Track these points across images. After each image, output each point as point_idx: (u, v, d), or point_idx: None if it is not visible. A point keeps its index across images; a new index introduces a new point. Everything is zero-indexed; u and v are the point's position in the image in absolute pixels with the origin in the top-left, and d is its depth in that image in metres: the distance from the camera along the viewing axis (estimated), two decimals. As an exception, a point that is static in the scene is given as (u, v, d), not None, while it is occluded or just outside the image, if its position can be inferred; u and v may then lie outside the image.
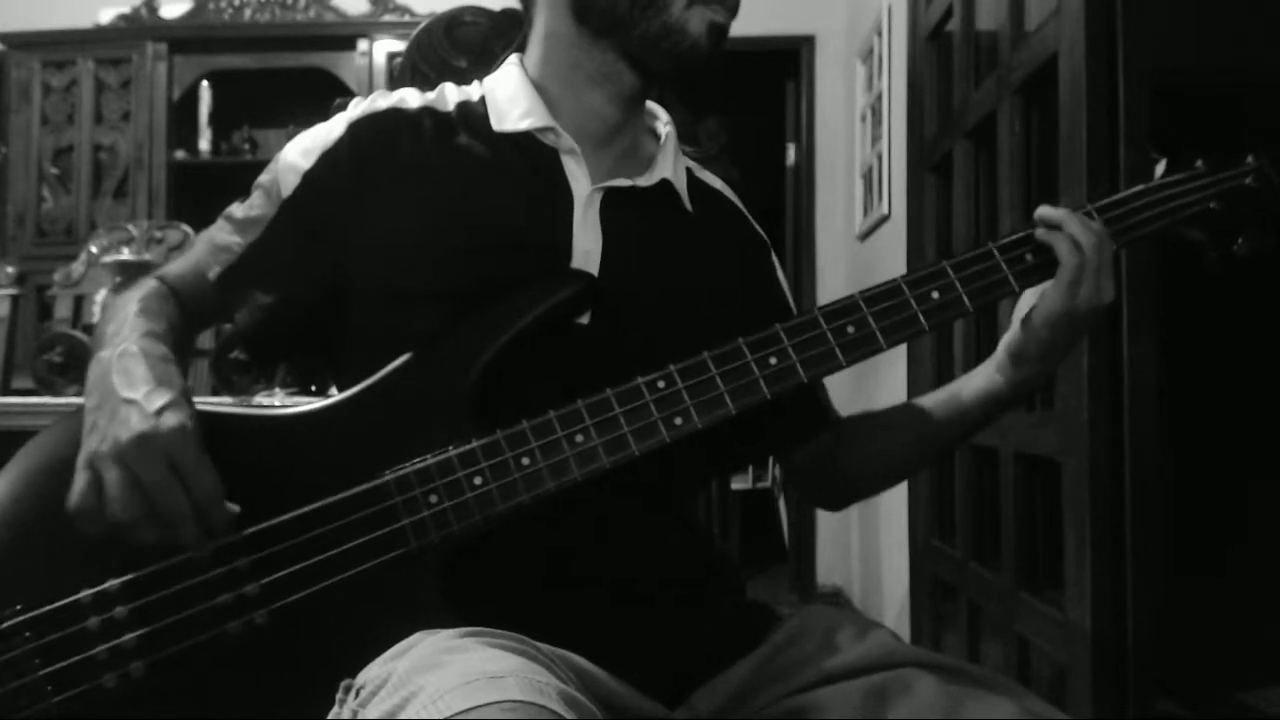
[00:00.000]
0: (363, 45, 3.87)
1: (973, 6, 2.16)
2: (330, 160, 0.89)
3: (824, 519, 3.90)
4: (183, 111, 3.95)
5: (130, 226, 2.84)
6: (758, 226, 1.05)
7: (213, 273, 0.92)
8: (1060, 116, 1.60)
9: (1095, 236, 0.84)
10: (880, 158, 3.20)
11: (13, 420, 2.03)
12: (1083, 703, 1.51)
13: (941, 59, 2.44)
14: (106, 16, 4.02)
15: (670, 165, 0.95)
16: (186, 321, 0.91)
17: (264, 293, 0.91)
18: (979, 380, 0.93)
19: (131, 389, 0.74)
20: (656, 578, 0.84)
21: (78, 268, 2.74)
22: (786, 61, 4.07)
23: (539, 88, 0.93)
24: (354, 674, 0.68)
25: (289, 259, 0.90)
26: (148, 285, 0.91)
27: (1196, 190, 0.91)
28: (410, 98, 0.94)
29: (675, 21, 0.87)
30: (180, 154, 3.94)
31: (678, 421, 0.78)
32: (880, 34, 3.20)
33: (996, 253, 0.85)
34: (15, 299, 2.65)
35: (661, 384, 0.79)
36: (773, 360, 0.81)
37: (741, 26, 0.94)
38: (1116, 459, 1.48)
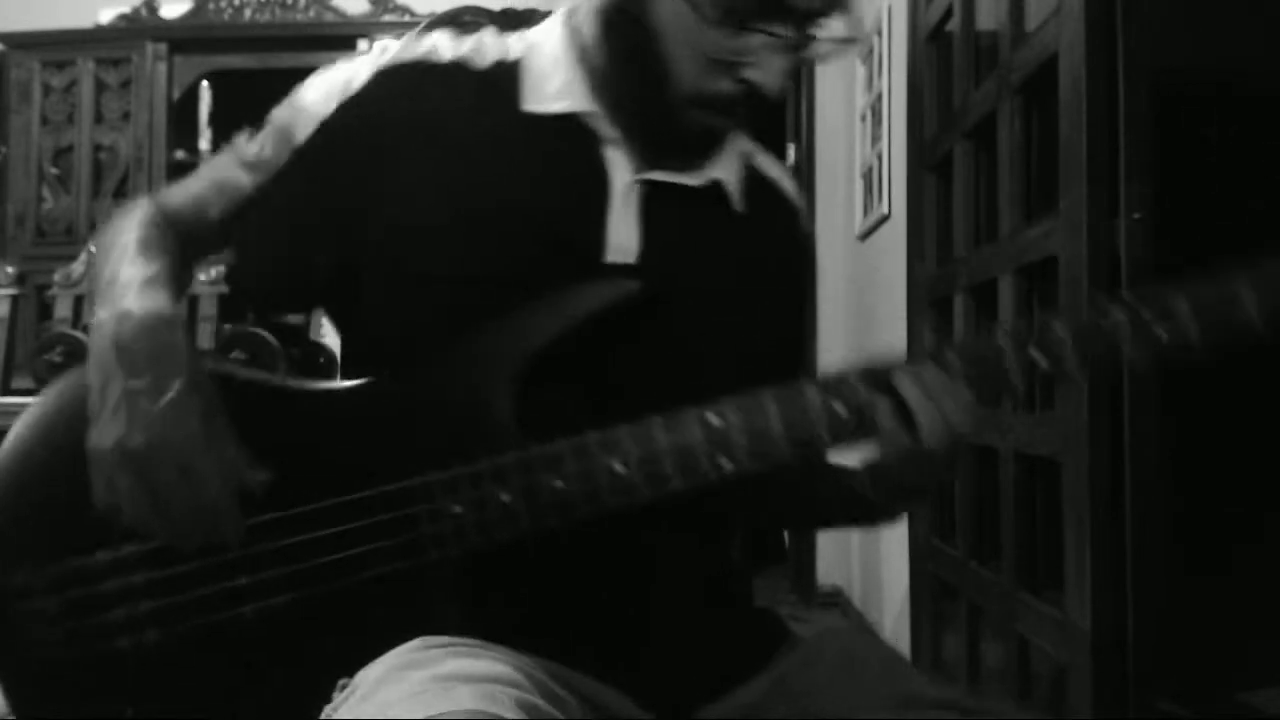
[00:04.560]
0: (363, 45, 3.86)
1: (973, 6, 2.16)
2: (350, 110, 0.82)
3: (824, 519, 3.89)
4: (183, 111, 3.95)
5: (130, 226, 2.84)
6: (809, 231, 0.98)
7: (215, 211, 0.86)
8: (1060, 116, 1.60)
9: (944, 429, 0.72)
10: (880, 158, 3.20)
11: (13, 420, 2.03)
12: (1083, 703, 1.50)
13: (941, 59, 2.43)
14: (106, 16, 4.02)
15: (725, 162, 0.86)
16: (185, 252, 0.86)
17: (266, 243, 0.86)
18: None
19: (135, 375, 0.71)
20: (666, 589, 0.82)
21: (78, 268, 2.74)
22: (786, 61, 4.06)
23: (584, 55, 0.82)
24: (353, 673, 0.68)
25: (296, 213, 0.84)
26: (145, 212, 0.85)
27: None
28: (443, 47, 0.85)
29: (666, 108, 0.79)
30: (180, 154, 3.93)
31: (724, 462, 0.73)
32: (880, 34, 3.20)
33: (1123, 309, 0.74)
34: (15, 299, 2.65)
35: (714, 419, 0.73)
36: (838, 408, 0.74)
37: (742, 26, 0.92)
38: (1116, 459, 1.48)
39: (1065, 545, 1.57)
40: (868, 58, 3.43)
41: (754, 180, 0.91)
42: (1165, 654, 1.47)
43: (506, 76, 0.83)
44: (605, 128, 0.82)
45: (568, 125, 0.82)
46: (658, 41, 0.77)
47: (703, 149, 0.84)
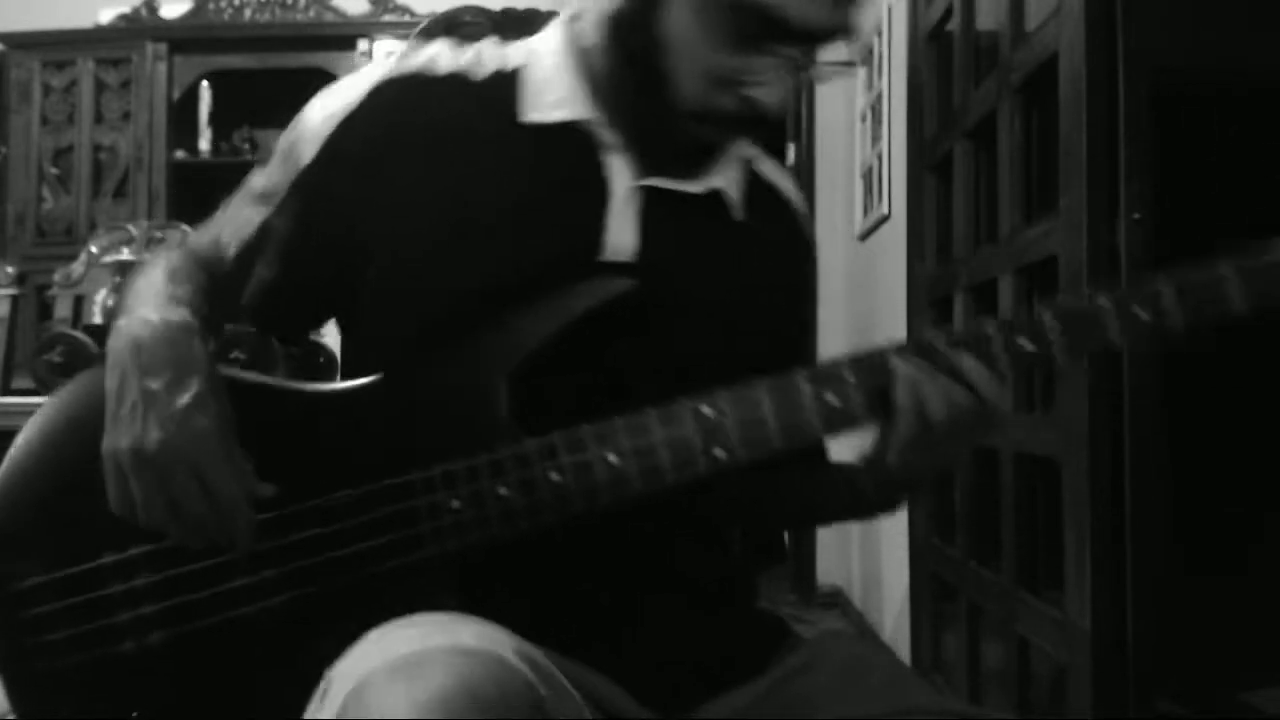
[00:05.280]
0: (363, 45, 3.87)
1: (973, 6, 2.16)
2: (351, 125, 0.82)
3: (824, 519, 3.89)
4: (183, 111, 3.95)
5: (130, 226, 2.84)
6: (809, 230, 0.98)
7: (231, 251, 0.87)
8: (1060, 116, 1.60)
9: (949, 408, 0.73)
10: (880, 158, 3.20)
11: (13, 420, 2.02)
12: (1083, 703, 1.51)
13: (941, 59, 2.44)
14: (106, 16, 4.02)
15: (726, 172, 0.87)
16: (218, 292, 0.86)
17: (270, 268, 0.85)
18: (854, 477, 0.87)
19: (152, 377, 0.72)
20: (667, 587, 0.82)
21: (78, 268, 2.74)
22: (786, 61, 4.06)
23: (585, 62, 0.83)
24: None
25: (301, 234, 0.84)
26: (176, 253, 0.86)
27: None
28: (442, 59, 0.85)
29: (667, 119, 0.79)
30: (180, 154, 3.93)
31: (719, 454, 0.73)
32: (880, 34, 3.20)
33: (1107, 300, 0.74)
34: (15, 299, 2.65)
35: (708, 410, 0.73)
36: (831, 398, 0.74)
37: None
38: (1116, 459, 1.48)
39: (1065, 545, 1.57)
40: (868, 58, 3.43)
41: (756, 186, 0.91)
42: (1165, 654, 1.48)
43: (505, 86, 0.83)
44: (606, 135, 0.82)
45: (567, 133, 0.82)
46: (663, 54, 0.77)
47: (702, 158, 0.85)
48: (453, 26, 1.29)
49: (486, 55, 0.86)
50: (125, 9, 4.02)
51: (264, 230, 0.85)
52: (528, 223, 0.80)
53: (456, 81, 0.84)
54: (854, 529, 3.67)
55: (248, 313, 0.89)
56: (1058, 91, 1.60)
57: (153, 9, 4.03)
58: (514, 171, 0.82)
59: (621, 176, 0.82)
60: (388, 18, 3.97)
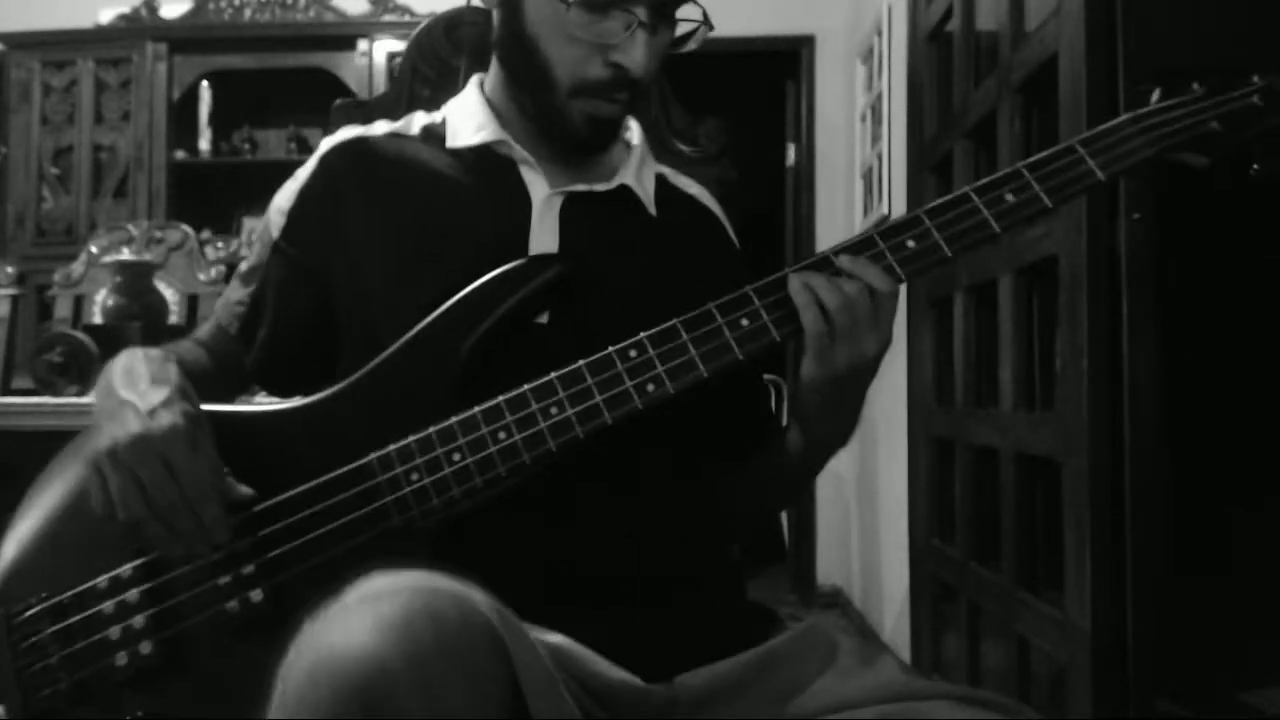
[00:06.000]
0: (363, 45, 3.87)
1: (973, 6, 2.16)
2: (307, 194, 0.96)
3: (824, 519, 3.90)
4: (183, 111, 3.95)
5: (130, 226, 2.84)
6: (730, 233, 1.06)
7: (233, 328, 1.00)
8: (1060, 116, 1.60)
9: (842, 298, 0.80)
10: (880, 158, 3.20)
11: (13, 420, 2.03)
12: (1083, 703, 1.51)
13: (941, 59, 2.44)
14: (106, 16, 4.02)
15: (633, 172, 0.97)
16: (220, 374, 0.98)
17: (266, 328, 0.97)
18: (791, 437, 0.94)
19: (129, 389, 0.79)
20: (649, 575, 0.84)
21: (78, 268, 2.74)
22: (786, 61, 4.07)
23: (494, 104, 0.97)
24: None
25: (283, 293, 0.96)
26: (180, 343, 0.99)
27: (1194, 113, 0.86)
28: (378, 127, 1.00)
29: (556, 106, 0.90)
30: (180, 154, 3.93)
31: (650, 388, 0.79)
32: (880, 34, 3.20)
33: (974, 195, 0.84)
34: (15, 299, 2.64)
35: (633, 352, 0.80)
36: (744, 321, 0.81)
37: (741, 26, 0.94)
38: (1116, 459, 1.48)
39: (1065, 545, 1.58)
40: (868, 58, 3.43)
41: (671, 193, 1.02)
42: (1165, 654, 1.48)
43: (434, 133, 0.98)
44: (519, 152, 0.93)
45: (487, 156, 0.94)
46: (535, 50, 0.89)
47: (600, 144, 0.95)
48: (453, 26, 1.29)
49: (417, 119, 1.01)
50: (125, 9, 4.02)
51: (255, 300, 0.99)
52: (462, 236, 0.90)
53: (393, 136, 0.99)
54: (854, 529, 3.68)
55: (253, 376, 1.00)
56: (1058, 91, 1.61)
57: (153, 9, 4.03)
58: (446, 194, 0.93)
59: (538, 188, 0.93)
60: (388, 18, 3.97)
